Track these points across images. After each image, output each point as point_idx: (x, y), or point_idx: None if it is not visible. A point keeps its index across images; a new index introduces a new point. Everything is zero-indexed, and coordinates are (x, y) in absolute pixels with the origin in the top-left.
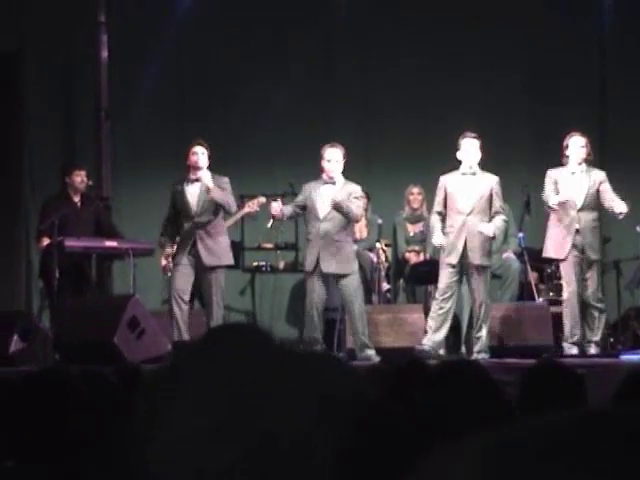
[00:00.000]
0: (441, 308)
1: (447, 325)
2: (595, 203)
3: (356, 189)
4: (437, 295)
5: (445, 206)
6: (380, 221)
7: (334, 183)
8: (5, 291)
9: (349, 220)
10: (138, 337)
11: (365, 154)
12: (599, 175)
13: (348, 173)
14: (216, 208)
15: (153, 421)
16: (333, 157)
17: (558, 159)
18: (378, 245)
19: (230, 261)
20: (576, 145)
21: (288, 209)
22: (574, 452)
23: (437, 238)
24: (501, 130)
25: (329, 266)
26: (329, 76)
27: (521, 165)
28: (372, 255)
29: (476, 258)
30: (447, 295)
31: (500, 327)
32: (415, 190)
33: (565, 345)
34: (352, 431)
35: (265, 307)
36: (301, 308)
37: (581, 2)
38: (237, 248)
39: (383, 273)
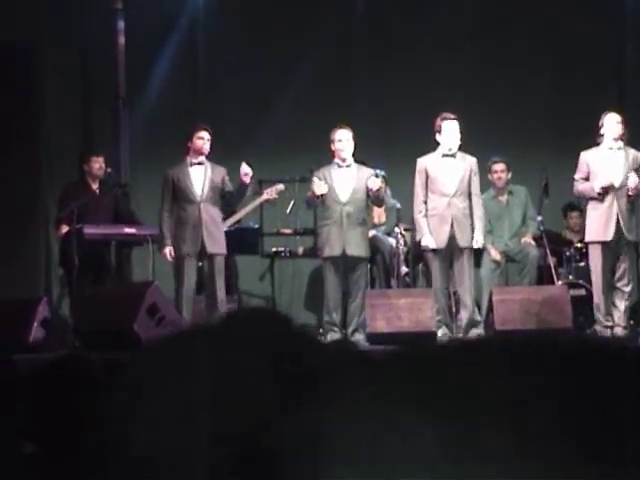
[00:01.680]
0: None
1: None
2: None
3: (370, 171)
4: (433, 283)
5: (427, 189)
6: (399, 205)
7: (348, 166)
8: (25, 279)
9: (379, 205)
10: (158, 324)
11: (383, 138)
12: (637, 154)
13: (367, 157)
14: (219, 195)
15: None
16: (344, 136)
17: (576, 142)
18: (397, 230)
19: (225, 250)
20: (612, 121)
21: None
22: None
23: (427, 240)
24: (519, 114)
25: (354, 249)
26: (347, 60)
27: (539, 148)
28: (391, 240)
29: (463, 240)
30: (445, 279)
31: (519, 310)
32: None
33: (597, 328)
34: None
35: (284, 292)
36: (320, 293)
37: None
38: (256, 234)
39: (402, 258)
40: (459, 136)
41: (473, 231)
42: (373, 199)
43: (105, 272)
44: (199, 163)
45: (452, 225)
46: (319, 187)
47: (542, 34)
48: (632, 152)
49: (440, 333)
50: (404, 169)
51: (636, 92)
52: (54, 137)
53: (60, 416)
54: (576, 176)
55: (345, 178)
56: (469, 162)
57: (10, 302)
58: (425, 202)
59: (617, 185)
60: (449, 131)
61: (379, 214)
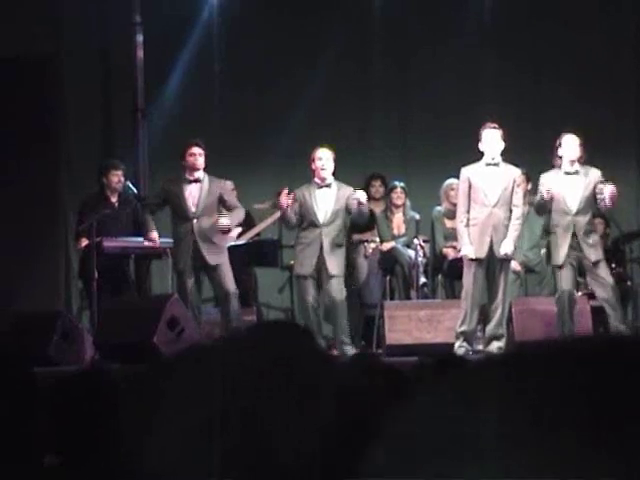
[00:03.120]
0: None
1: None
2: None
3: (350, 190)
4: (464, 294)
5: (469, 199)
6: (418, 217)
7: (328, 186)
8: (45, 292)
9: (362, 221)
10: (177, 336)
11: (402, 150)
12: (597, 174)
13: (385, 169)
14: (216, 210)
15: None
16: (324, 156)
17: (596, 152)
18: (416, 241)
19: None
20: (570, 143)
21: (292, 217)
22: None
23: (467, 250)
24: (538, 123)
25: (334, 268)
26: (365, 70)
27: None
28: (410, 251)
29: (502, 251)
30: (479, 292)
31: (539, 321)
32: (455, 185)
33: None
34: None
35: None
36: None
37: None
38: (274, 246)
39: (421, 269)
40: (501, 145)
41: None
42: (356, 215)
43: (125, 285)
44: (195, 180)
45: (492, 236)
46: (284, 197)
47: (563, 43)
48: (591, 173)
49: (457, 344)
50: (422, 181)
51: None
52: (74, 150)
53: (81, 429)
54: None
55: (325, 199)
56: (513, 173)
57: (30, 315)
58: (468, 211)
59: (574, 210)
60: (489, 139)
61: (398, 225)
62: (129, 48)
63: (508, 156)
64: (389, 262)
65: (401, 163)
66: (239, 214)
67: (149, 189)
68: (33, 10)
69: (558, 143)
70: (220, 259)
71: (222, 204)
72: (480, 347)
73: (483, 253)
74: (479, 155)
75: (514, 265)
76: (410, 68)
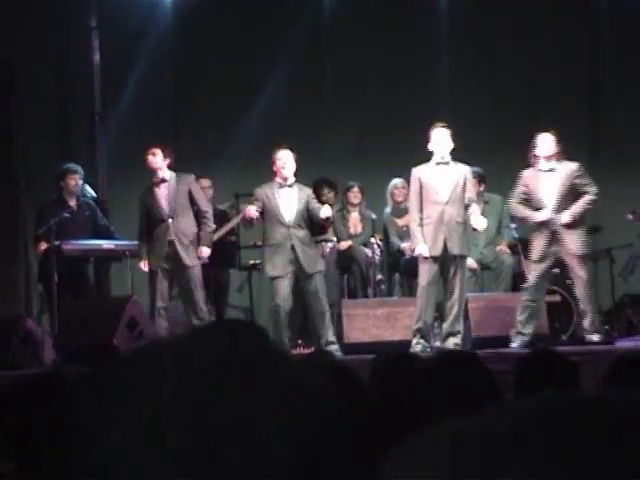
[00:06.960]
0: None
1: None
2: (572, 198)
3: (310, 191)
4: (420, 292)
5: (421, 198)
6: (374, 216)
7: (290, 186)
8: (5, 296)
9: (322, 231)
10: (137, 338)
11: (356, 150)
12: (573, 168)
13: (341, 169)
14: (189, 209)
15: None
16: (285, 156)
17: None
18: (373, 240)
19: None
20: (545, 141)
21: (254, 223)
22: (539, 437)
23: (421, 248)
24: (490, 120)
25: (310, 267)
26: (318, 74)
27: (510, 156)
28: (367, 250)
29: (455, 249)
30: (434, 289)
31: (495, 317)
32: (399, 184)
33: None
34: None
35: (263, 304)
36: (298, 306)
37: None
38: (233, 247)
39: (378, 267)
40: (450, 143)
41: (466, 240)
42: (317, 225)
43: (84, 287)
44: (162, 180)
45: (445, 233)
46: (250, 210)
47: (517, 57)
48: (567, 167)
49: (414, 342)
50: (378, 181)
51: (605, 105)
52: (32, 154)
53: (38, 433)
54: (515, 194)
55: (288, 198)
56: (462, 170)
57: None
58: (420, 211)
59: (553, 206)
60: (438, 138)
61: (355, 224)
62: (85, 52)
63: (468, 157)
64: (346, 261)
65: (356, 164)
66: (207, 232)
67: (107, 192)
68: None
69: (534, 144)
70: (194, 261)
71: (191, 201)
72: (438, 344)
73: (437, 251)
74: (430, 156)
75: (470, 263)
76: (362, 70)
